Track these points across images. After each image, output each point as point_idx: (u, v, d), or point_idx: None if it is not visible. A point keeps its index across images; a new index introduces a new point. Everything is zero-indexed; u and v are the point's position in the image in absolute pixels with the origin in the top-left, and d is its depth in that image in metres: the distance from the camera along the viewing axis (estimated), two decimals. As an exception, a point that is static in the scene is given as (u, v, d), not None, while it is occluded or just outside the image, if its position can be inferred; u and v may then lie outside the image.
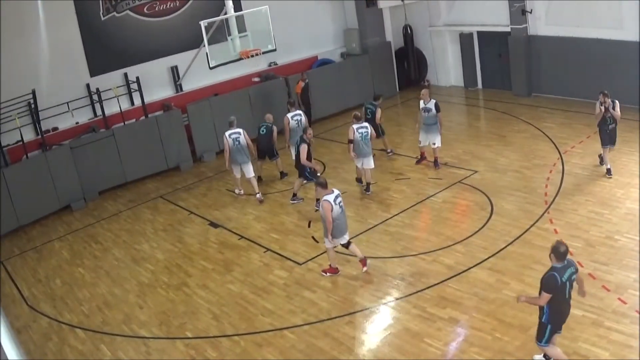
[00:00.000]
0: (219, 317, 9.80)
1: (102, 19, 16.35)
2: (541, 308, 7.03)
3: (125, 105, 16.65)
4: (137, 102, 16.78)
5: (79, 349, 9.56)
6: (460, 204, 12.57)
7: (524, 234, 10.82)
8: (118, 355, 9.25)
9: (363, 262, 10.34)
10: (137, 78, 16.34)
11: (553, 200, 11.91)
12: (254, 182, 14.12)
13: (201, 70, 16.66)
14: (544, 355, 7.56)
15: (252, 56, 14.93)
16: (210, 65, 14.84)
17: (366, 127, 13.19)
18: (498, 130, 16.47)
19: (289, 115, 14.53)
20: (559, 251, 6.77)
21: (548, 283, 6.78)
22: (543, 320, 7.07)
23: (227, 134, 13.83)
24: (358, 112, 13.82)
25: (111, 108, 16.31)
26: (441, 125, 14.00)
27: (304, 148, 12.66)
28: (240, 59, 14.96)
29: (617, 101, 12.10)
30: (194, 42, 16.57)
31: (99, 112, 16.28)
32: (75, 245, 13.41)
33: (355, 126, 13.20)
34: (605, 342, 7.75)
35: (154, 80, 17.16)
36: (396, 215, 12.34)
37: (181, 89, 17.92)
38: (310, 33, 20.04)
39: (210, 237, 12.79)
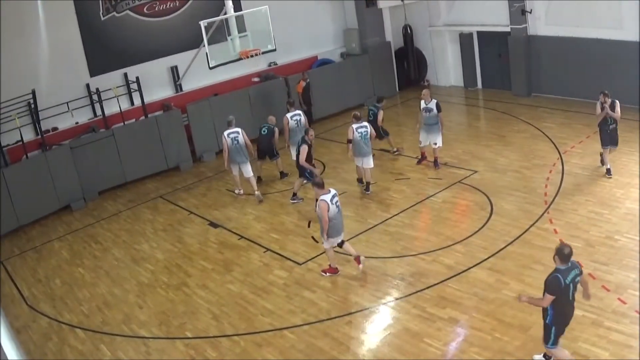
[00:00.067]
0: (218, 317, 9.80)
1: (102, 19, 16.35)
2: (545, 310, 7.00)
3: (125, 105, 16.65)
4: (137, 102, 16.78)
5: (78, 349, 9.56)
6: (460, 204, 12.57)
7: (523, 234, 10.82)
8: (118, 355, 9.25)
9: (357, 260, 10.36)
10: (137, 78, 16.34)
11: (553, 200, 11.91)
12: (253, 182, 14.13)
13: (201, 70, 16.67)
14: (544, 355, 7.55)
15: (252, 56, 14.94)
16: (210, 65, 14.84)
17: (366, 127, 13.20)
18: (498, 130, 16.48)
19: (288, 115, 14.53)
20: (563, 253, 6.75)
21: (551, 285, 6.76)
22: (547, 322, 7.04)
23: (225, 133, 13.85)
24: (357, 112, 13.80)
25: (111, 108, 16.31)
26: (442, 125, 14.01)
27: (304, 149, 12.66)
28: (240, 59, 14.97)
29: (617, 101, 12.08)
30: (194, 42, 16.57)
31: (98, 112, 16.28)
32: (75, 245, 13.41)
33: (354, 126, 13.21)
34: (605, 342, 7.75)
35: (154, 80, 17.16)
36: (396, 215, 12.34)
37: (181, 89, 17.93)
38: (310, 33, 20.05)
39: (210, 237, 12.79)
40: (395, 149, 15.41)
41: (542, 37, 17.87)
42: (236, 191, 14.58)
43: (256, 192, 14.07)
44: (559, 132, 15.41)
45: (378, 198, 13.32)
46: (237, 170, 14.11)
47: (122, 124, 16.31)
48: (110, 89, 16.08)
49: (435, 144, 14.00)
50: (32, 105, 14.87)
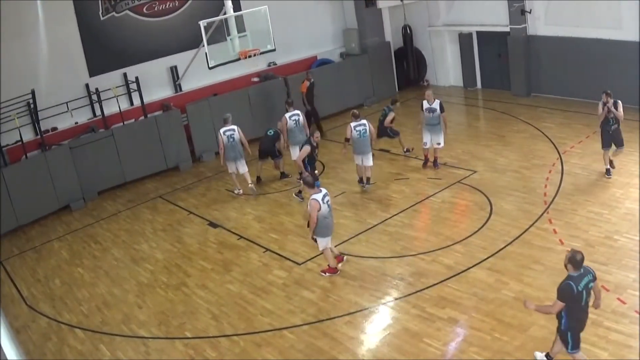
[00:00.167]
0: (218, 317, 9.80)
1: (102, 18, 16.34)
2: (559, 316, 6.93)
3: (124, 105, 16.64)
4: (137, 102, 16.77)
5: (78, 349, 9.56)
6: (460, 204, 12.57)
7: (523, 234, 10.83)
8: (117, 355, 9.25)
9: (339, 258, 10.57)
10: (137, 78, 16.33)
11: (552, 200, 11.91)
12: (247, 176, 14.28)
13: (200, 70, 16.65)
14: (546, 355, 7.53)
15: (250, 56, 14.94)
16: (210, 65, 14.85)
17: (364, 125, 13.23)
18: (497, 130, 16.48)
19: (287, 115, 14.52)
20: (575, 260, 6.68)
21: (563, 292, 6.69)
22: (562, 328, 6.98)
23: (221, 131, 13.94)
24: (356, 110, 13.88)
25: (110, 108, 16.31)
26: (446, 126, 14.02)
27: (305, 149, 12.64)
28: (240, 59, 14.97)
29: (619, 101, 12.01)
30: (193, 42, 16.55)
31: (98, 112, 16.27)
32: (75, 245, 13.40)
33: (353, 124, 13.26)
34: (605, 342, 7.75)
35: (153, 80, 17.15)
36: (395, 215, 12.34)
37: (180, 89, 17.92)
38: (310, 33, 20.05)
39: (209, 237, 12.79)
40: (405, 149, 15.41)
41: (542, 37, 17.87)
42: (235, 191, 14.59)
43: (250, 185, 14.22)
44: (559, 132, 15.41)
45: (377, 198, 13.32)
46: (234, 167, 14.15)
47: (122, 124, 16.31)
48: (109, 89, 16.07)
49: (439, 143, 14.00)
50: (32, 105, 14.87)
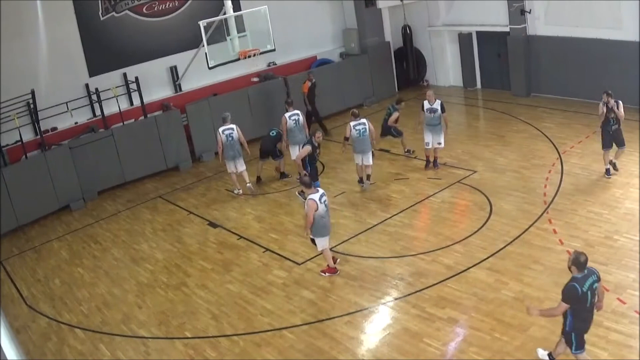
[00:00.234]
0: (218, 317, 9.80)
1: (101, 19, 16.34)
2: (564, 317, 6.91)
3: (124, 105, 16.64)
4: (136, 102, 16.77)
5: (78, 349, 9.56)
6: (459, 204, 12.57)
7: (522, 234, 10.83)
8: (117, 355, 9.25)
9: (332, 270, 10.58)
10: (136, 78, 16.33)
11: (552, 200, 11.91)
12: (245, 175, 14.34)
13: (200, 70, 16.66)
14: (549, 355, 7.52)
15: (250, 56, 14.95)
16: (209, 65, 14.89)
17: (364, 124, 13.26)
18: (497, 130, 16.48)
19: (287, 114, 14.52)
20: (579, 261, 6.65)
21: (568, 294, 6.67)
22: (567, 329, 6.95)
23: (220, 129, 13.98)
24: (356, 110, 13.96)
25: (110, 108, 16.30)
26: (447, 126, 14.03)
27: (306, 148, 12.63)
28: (239, 59, 14.97)
29: (620, 101, 11.98)
30: (193, 42, 16.55)
31: (98, 112, 16.27)
32: (75, 245, 13.40)
33: (352, 123, 13.31)
34: (604, 342, 7.75)
35: (153, 80, 17.16)
36: (395, 215, 12.35)
37: (180, 89, 17.92)
38: (309, 33, 20.05)
39: (209, 237, 12.79)
40: (407, 149, 15.41)
41: (542, 37, 17.88)
42: (235, 191, 14.59)
43: (247, 184, 14.30)
44: (558, 132, 15.41)
45: (377, 198, 13.32)
46: (233, 167, 14.18)
47: (122, 124, 16.31)
48: (109, 89, 16.07)
49: (440, 143, 14.00)
50: (32, 105, 14.86)
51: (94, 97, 16.07)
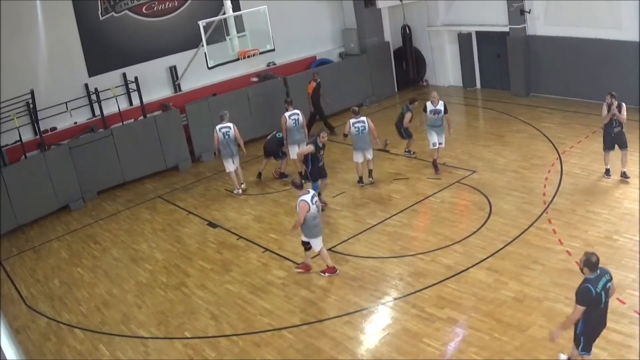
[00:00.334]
0: (217, 317, 9.80)
1: (101, 18, 16.33)
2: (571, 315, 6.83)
3: (123, 105, 16.63)
4: (136, 102, 16.76)
5: (77, 349, 9.56)
6: (459, 204, 12.57)
7: (522, 234, 10.83)
8: (117, 355, 9.25)
9: (307, 267, 10.62)
10: (136, 78, 16.32)
11: (552, 200, 11.92)
12: (239, 172, 14.53)
13: (200, 70, 16.65)
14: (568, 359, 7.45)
15: (249, 56, 14.94)
16: (209, 65, 14.89)
17: (363, 122, 13.33)
18: (496, 130, 16.48)
19: (287, 114, 14.53)
20: (591, 262, 6.57)
21: (582, 296, 6.56)
22: (577, 331, 6.89)
23: (217, 127, 14.09)
24: (356, 107, 14.05)
25: (110, 108, 16.29)
26: (450, 126, 14.03)
27: (308, 147, 12.62)
28: (239, 59, 14.97)
29: (623, 104, 11.88)
30: (193, 42, 16.52)
31: (97, 112, 16.26)
32: (74, 245, 13.40)
33: (352, 120, 13.40)
34: (604, 342, 7.73)
35: (153, 80, 17.15)
36: (395, 215, 12.35)
37: (180, 89, 17.92)
38: (309, 33, 20.04)
39: (208, 237, 12.79)
40: (408, 149, 15.41)
41: (541, 37, 17.87)
42: (235, 191, 14.60)
43: (242, 185, 14.53)
44: (558, 132, 15.41)
45: (377, 198, 13.32)
46: (231, 165, 14.24)
47: (121, 123, 16.30)
48: (108, 89, 16.07)
49: (441, 143, 14.01)
50: (31, 105, 14.84)
51: (94, 97, 16.05)
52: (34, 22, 15.27)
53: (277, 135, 14.84)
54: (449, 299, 9.28)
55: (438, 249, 10.75)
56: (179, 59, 17.52)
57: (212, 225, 13.29)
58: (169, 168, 16.85)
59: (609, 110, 11.86)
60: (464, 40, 20.15)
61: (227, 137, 13.98)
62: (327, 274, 10.44)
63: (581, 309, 6.59)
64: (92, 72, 16.26)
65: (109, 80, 16.37)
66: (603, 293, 6.62)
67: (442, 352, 8.20)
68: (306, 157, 12.63)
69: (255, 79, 18.91)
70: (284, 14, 18.33)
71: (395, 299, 9.60)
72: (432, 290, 9.58)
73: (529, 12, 17.87)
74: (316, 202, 10.08)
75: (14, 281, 12.13)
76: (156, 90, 17.38)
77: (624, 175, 12.16)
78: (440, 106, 13.69)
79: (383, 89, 20.65)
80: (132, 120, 16.72)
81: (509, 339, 8.15)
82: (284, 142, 14.64)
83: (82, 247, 13.25)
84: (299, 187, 10.14)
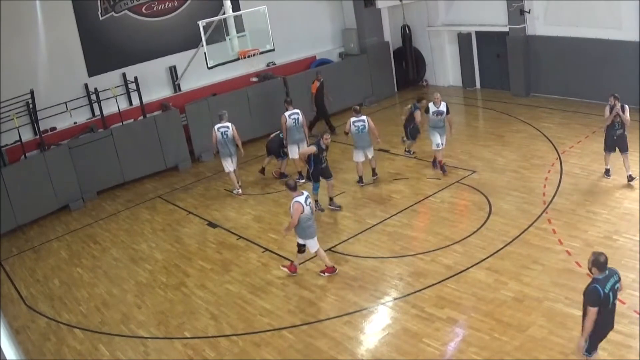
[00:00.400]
0: (217, 317, 9.80)
1: (100, 18, 16.33)
2: (584, 319, 6.66)
3: (123, 105, 16.63)
4: (136, 102, 16.76)
5: (77, 349, 9.55)
6: (459, 204, 12.57)
7: (522, 234, 10.83)
8: (116, 355, 9.25)
9: (293, 268, 10.59)
10: (136, 78, 16.32)
11: (551, 200, 11.91)
12: (236, 173, 14.59)
13: (199, 70, 16.65)
14: None
15: (249, 56, 14.93)
16: (209, 65, 14.89)
17: (363, 121, 13.38)
18: (496, 130, 16.48)
19: (287, 114, 14.52)
20: (599, 261, 6.46)
21: (591, 296, 6.47)
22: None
23: (216, 127, 14.13)
24: (357, 106, 14.16)
25: (109, 108, 16.29)
26: (451, 127, 14.04)
27: (310, 148, 12.59)
28: (239, 59, 14.96)
29: (626, 105, 11.80)
30: (192, 42, 16.52)
31: (97, 112, 16.25)
32: (74, 245, 13.40)
33: (352, 119, 13.49)
34: (604, 342, 7.66)
35: (152, 80, 17.15)
36: (394, 215, 12.34)
37: (179, 89, 17.91)
38: (309, 33, 20.04)
39: (208, 237, 12.79)
40: (408, 149, 15.41)
41: (541, 37, 17.87)
42: (234, 191, 14.60)
43: (238, 187, 14.55)
44: (558, 132, 15.41)
45: (376, 198, 13.32)
46: (229, 164, 14.29)
47: (121, 123, 16.30)
48: (108, 89, 16.06)
49: (442, 144, 14.01)
50: (31, 105, 14.84)
51: (93, 97, 16.05)
52: (34, 22, 15.27)
53: (279, 135, 14.87)
54: (448, 299, 9.28)
55: (438, 249, 10.75)
56: (178, 59, 17.52)
57: (212, 225, 13.28)
58: (169, 168, 16.85)
59: (611, 112, 11.80)
60: (463, 40, 20.15)
61: (225, 136, 14.01)
62: (326, 274, 10.44)
63: (594, 310, 6.44)
64: (91, 72, 16.26)
65: (109, 80, 16.37)
66: (611, 294, 6.54)
67: (442, 352, 8.20)
68: (309, 158, 12.62)
69: (255, 79, 18.91)
70: (283, 14, 18.34)
71: (395, 299, 9.60)
72: (432, 290, 9.58)
73: (529, 12, 17.87)
74: (309, 203, 10.07)
75: (13, 281, 12.13)
76: (156, 90, 17.38)
77: (630, 178, 12.01)
78: (443, 107, 13.69)
79: (383, 89, 20.65)
80: (132, 120, 16.71)
81: (508, 339, 8.15)
82: (284, 142, 14.64)
83: (81, 247, 13.25)
84: (293, 188, 10.12)
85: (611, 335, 7.75)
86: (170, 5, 17.37)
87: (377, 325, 9.14)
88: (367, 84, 20.29)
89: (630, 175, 12.02)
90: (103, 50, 16.36)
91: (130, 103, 16.98)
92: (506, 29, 18.46)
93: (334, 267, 10.49)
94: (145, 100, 16.65)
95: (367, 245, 11.33)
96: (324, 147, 12.52)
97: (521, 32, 18.13)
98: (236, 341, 9.11)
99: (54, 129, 15.82)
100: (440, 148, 13.93)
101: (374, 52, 20.29)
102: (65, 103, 15.51)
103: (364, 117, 13.45)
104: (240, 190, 14.55)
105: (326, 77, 18.90)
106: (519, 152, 14.56)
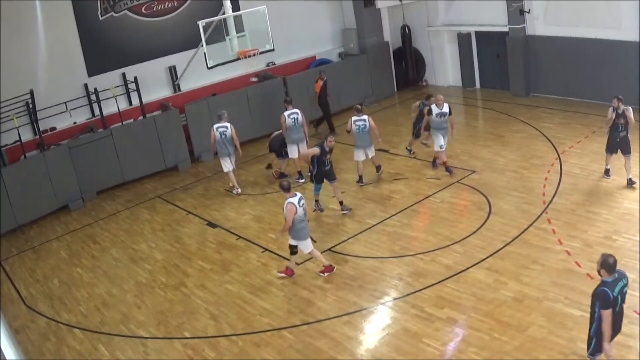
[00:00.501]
0: (217, 317, 9.80)
1: (100, 18, 16.33)
2: (591, 320, 6.70)
3: (123, 105, 16.62)
4: (135, 102, 16.75)
5: (77, 349, 9.55)
6: (458, 204, 12.57)
7: (522, 234, 10.83)
8: (116, 355, 9.25)
9: (290, 272, 10.59)
10: (135, 78, 16.31)
11: (551, 200, 11.91)
12: (235, 172, 14.62)
13: (199, 70, 16.64)
14: None
15: (249, 56, 14.93)
16: (208, 65, 14.89)
17: (364, 120, 13.41)
18: (496, 130, 16.48)
19: (286, 113, 14.51)
20: (608, 264, 6.39)
21: (600, 299, 6.43)
22: (591, 333, 6.77)
23: (215, 127, 14.16)
24: (359, 105, 14.14)
25: (109, 108, 16.28)
26: (453, 128, 14.04)
27: (314, 149, 12.55)
28: (238, 59, 14.96)
29: (630, 107, 11.77)
30: (192, 42, 16.50)
31: (97, 112, 16.24)
32: (74, 245, 13.40)
33: (353, 118, 13.54)
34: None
35: (152, 80, 17.15)
36: (394, 215, 12.34)
37: (179, 89, 17.91)
38: (309, 33, 20.03)
39: (208, 237, 12.79)
40: (409, 149, 15.41)
41: (541, 37, 17.87)
42: (234, 191, 14.60)
43: (236, 187, 14.58)
44: (558, 132, 15.41)
45: (376, 198, 13.32)
46: (228, 164, 14.32)
47: (120, 123, 16.29)
48: (108, 89, 16.06)
49: (445, 145, 14.02)
50: (30, 105, 14.83)
51: (93, 97, 16.05)
52: (34, 22, 15.27)
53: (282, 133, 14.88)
54: (448, 299, 9.28)
55: (438, 249, 10.75)
56: (178, 59, 17.51)
57: (211, 225, 13.28)
58: (169, 168, 16.84)
59: (615, 115, 11.69)
60: (463, 40, 20.15)
61: (223, 136, 14.03)
62: (326, 274, 10.44)
63: (607, 312, 6.39)
64: (91, 72, 16.26)
65: (109, 80, 16.36)
66: (619, 297, 6.50)
67: (442, 352, 8.21)
68: (312, 159, 12.61)
69: (254, 79, 18.90)
70: (283, 14, 18.34)
71: (394, 299, 9.60)
72: (431, 290, 9.58)
73: (529, 12, 17.87)
74: (303, 204, 10.06)
75: (13, 281, 12.13)
76: (156, 90, 17.38)
77: (630, 182, 11.97)
78: (446, 109, 13.68)
79: (382, 89, 20.65)
80: (132, 120, 16.71)
81: (508, 339, 8.15)
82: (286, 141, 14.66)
83: (81, 247, 13.25)
84: (286, 189, 10.08)
85: (611, 335, 7.80)
86: (170, 5, 17.37)
87: (376, 325, 9.15)
88: (367, 84, 20.28)
89: (630, 179, 11.98)
90: (103, 50, 16.35)
91: (130, 103, 16.98)
92: (506, 29, 18.46)
93: (331, 265, 10.50)
94: (145, 100, 16.64)
95: (366, 245, 11.33)
96: (327, 149, 12.46)
97: (521, 32, 18.13)
98: (236, 341, 9.11)
99: (53, 129, 15.81)
100: (444, 149, 13.94)
101: (373, 52, 20.28)
102: (65, 103, 15.51)
103: (365, 117, 13.47)
104: (239, 190, 14.56)
105: (326, 77, 18.92)
106: (518, 152, 14.56)
